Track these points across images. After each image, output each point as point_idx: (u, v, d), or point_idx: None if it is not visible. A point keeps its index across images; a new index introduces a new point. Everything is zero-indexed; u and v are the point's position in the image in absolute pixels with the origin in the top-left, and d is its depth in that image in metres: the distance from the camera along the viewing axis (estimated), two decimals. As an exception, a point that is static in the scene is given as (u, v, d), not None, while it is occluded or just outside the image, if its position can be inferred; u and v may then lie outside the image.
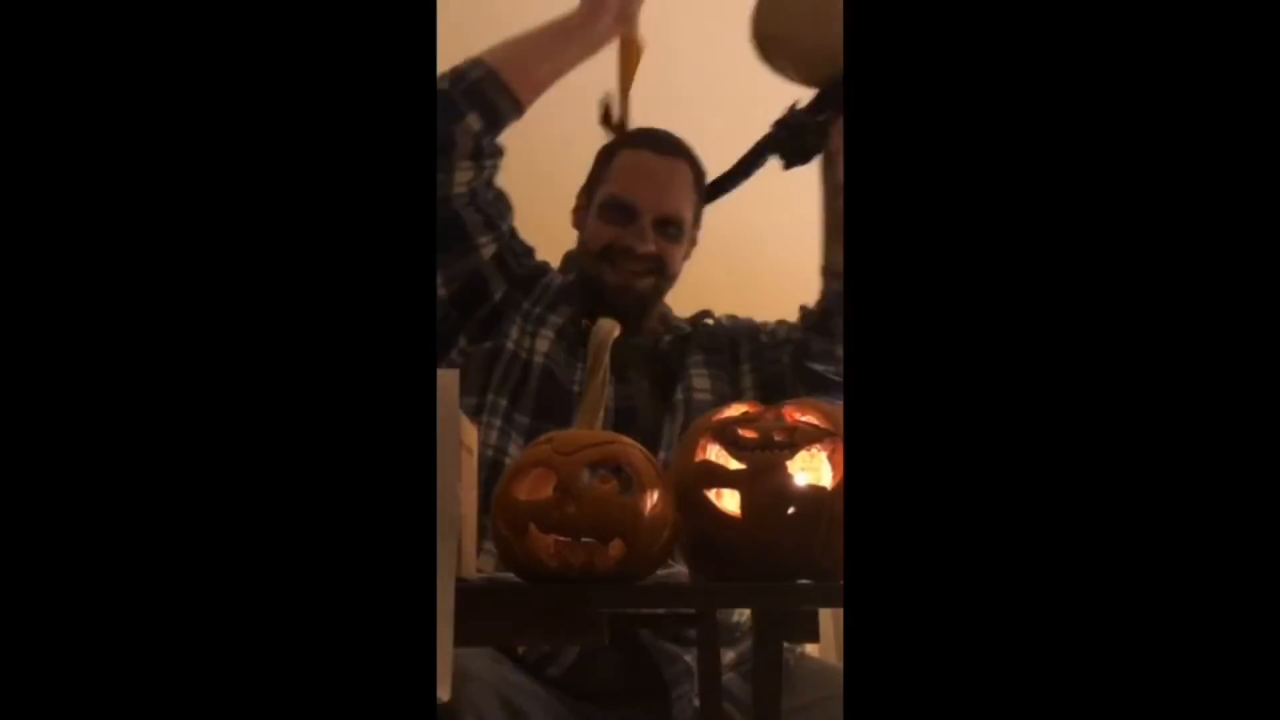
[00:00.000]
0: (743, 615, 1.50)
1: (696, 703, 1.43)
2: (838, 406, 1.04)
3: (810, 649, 1.69)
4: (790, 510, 1.01)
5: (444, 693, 0.85)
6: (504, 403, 1.62)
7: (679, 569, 1.14)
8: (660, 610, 1.38)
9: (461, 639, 0.89)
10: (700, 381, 1.66)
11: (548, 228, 1.85)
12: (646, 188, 1.70)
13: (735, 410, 1.07)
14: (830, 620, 2.61)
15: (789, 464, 1.03)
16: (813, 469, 1.03)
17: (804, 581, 1.03)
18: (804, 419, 1.04)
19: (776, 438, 1.03)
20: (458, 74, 1.65)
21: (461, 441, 1.00)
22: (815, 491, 1.01)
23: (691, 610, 1.38)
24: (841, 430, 1.02)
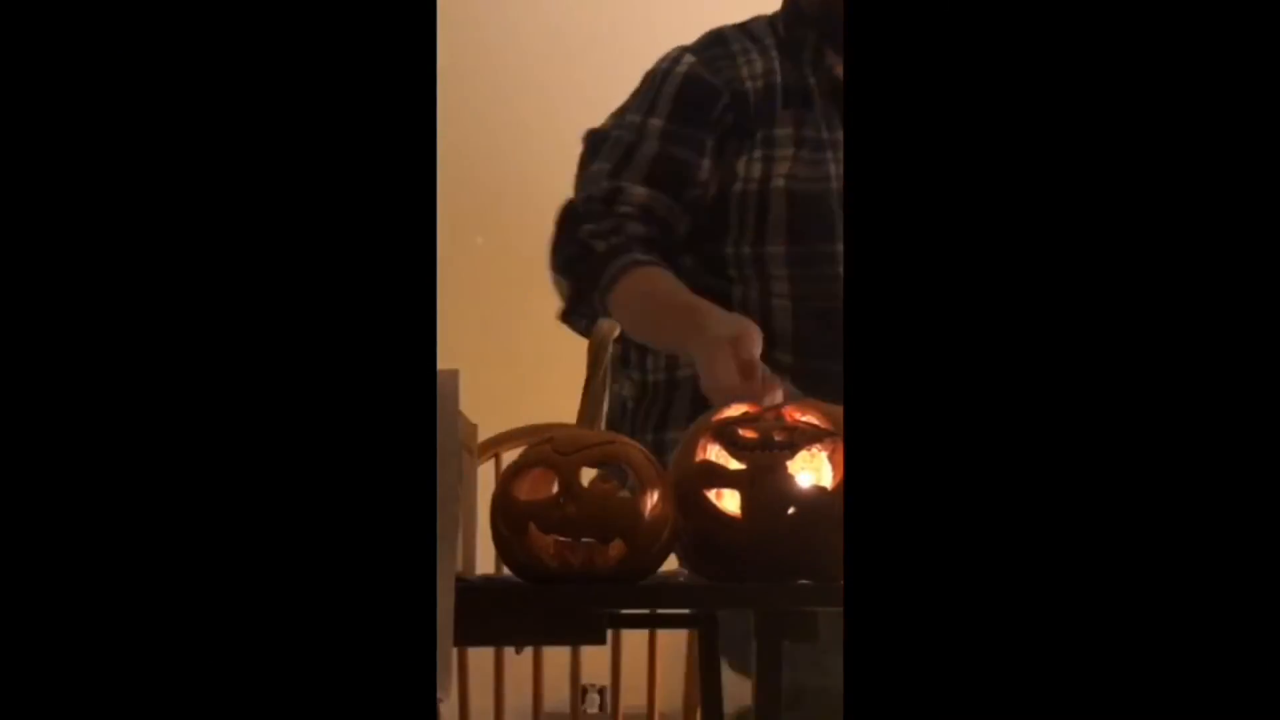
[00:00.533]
0: None
1: None
2: (838, 407, 1.04)
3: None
4: (790, 510, 1.01)
5: (444, 693, 0.85)
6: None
7: (679, 569, 1.14)
8: (660, 610, 1.38)
9: (461, 639, 0.89)
10: None
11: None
12: None
13: (735, 410, 1.07)
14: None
15: (789, 464, 1.02)
16: (813, 469, 1.02)
17: (804, 582, 1.02)
18: (804, 419, 1.04)
19: (776, 438, 1.03)
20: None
21: (462, 441, 1.00)
22: (816, 492, 1.01)
23: (691, 610, 1.38)
24: (842, 430, 1.01)
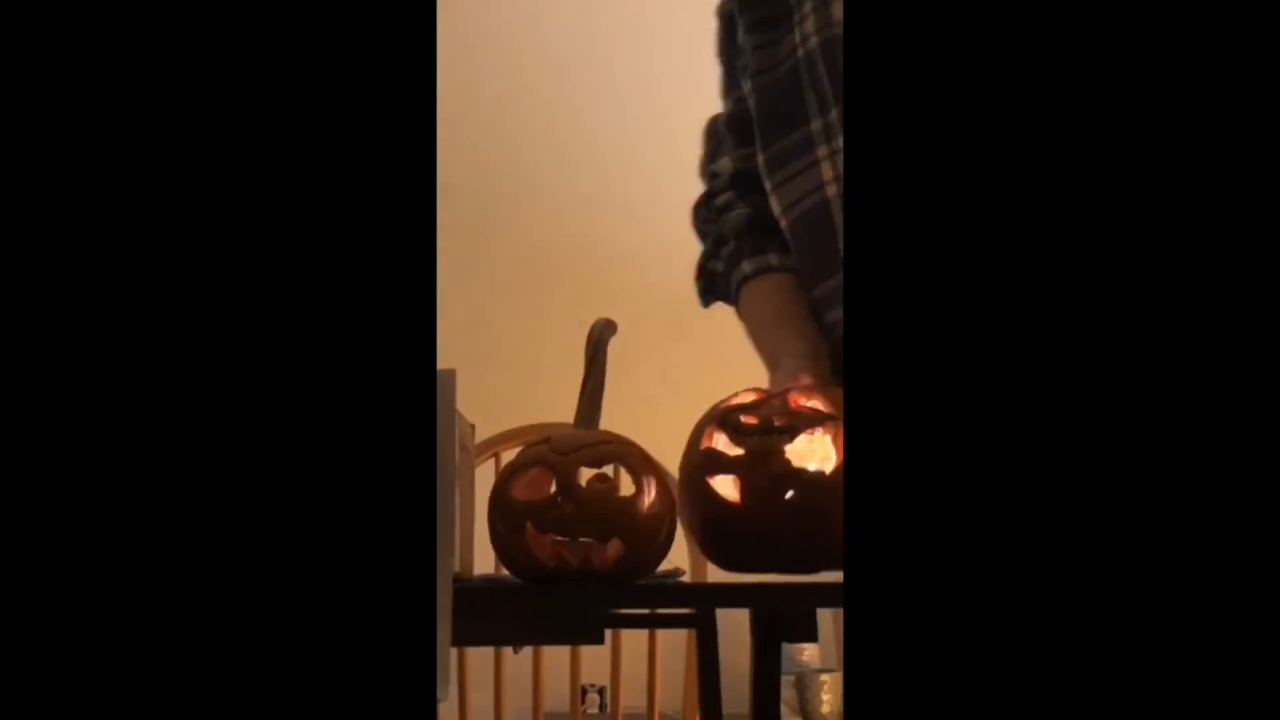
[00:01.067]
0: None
1: None
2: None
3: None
4: (789, 495, 1.00)
5: (443, 693, 0.85)
6: None
7: (677, 568, 1.14)
8: (659, 610, 1.38)
9: (461, 639, 0.89)
10: None
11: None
12: None
13: (743, 397, 1.06)
14: (830, 620, 2.61)
15: (787, 448, 1.01)
16: (813, 454, 1.02)
17: (804, 579, 1.02)
18: (808, 404, 1.04)
19: (776, 422, 1.02)
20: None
21: (460, 441, 1.00)
22: (814, 476, 1.01)
23: (690, 610, 1.39)
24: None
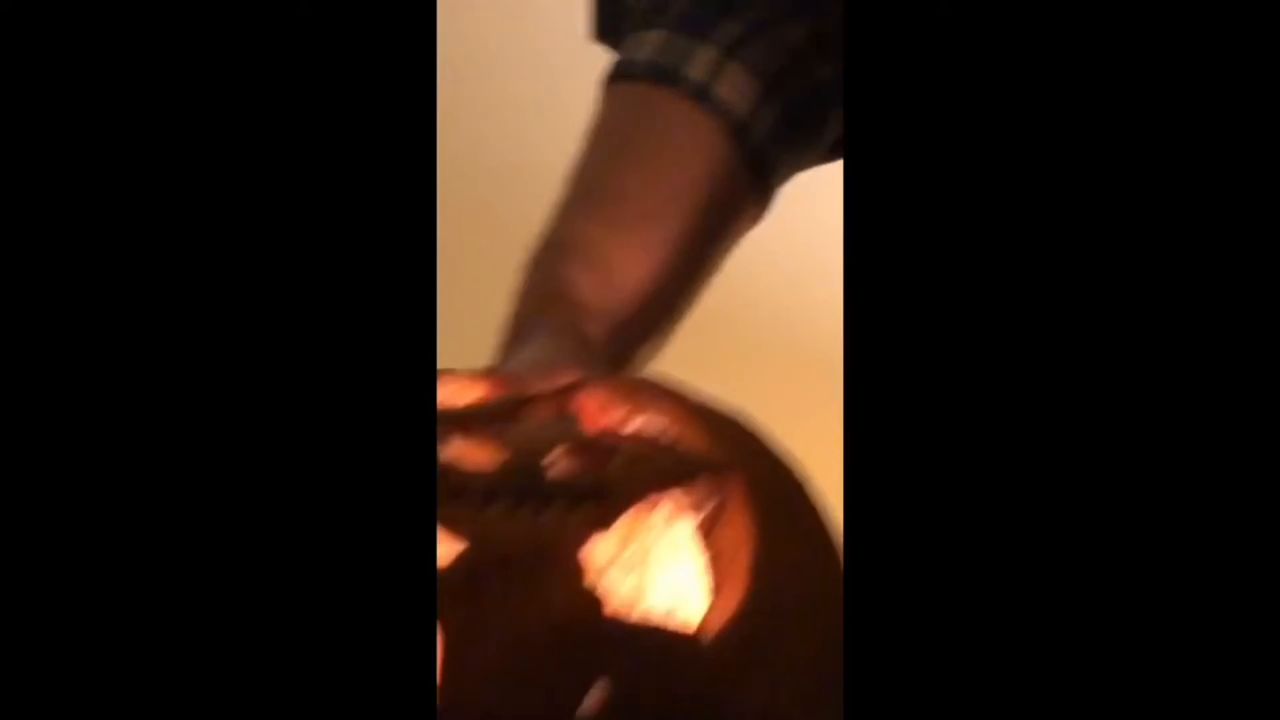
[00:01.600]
0: None
1: None
2: (723, 415, 0.44)
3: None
4: (594, 695, 0.41)
5: (443, 693, 0.85)
6: None
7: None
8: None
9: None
10: None
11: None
12: None
13: (458, 392, 0.42)
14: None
15: (585, 551, 0.42)
16: (656, 566, 0.42)
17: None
18: (636, 426, 0.44)
19: (551, 473, 0.43)
20: None
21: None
22: (656, 639, 0.41)
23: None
24: (738, 451, 0.45)
